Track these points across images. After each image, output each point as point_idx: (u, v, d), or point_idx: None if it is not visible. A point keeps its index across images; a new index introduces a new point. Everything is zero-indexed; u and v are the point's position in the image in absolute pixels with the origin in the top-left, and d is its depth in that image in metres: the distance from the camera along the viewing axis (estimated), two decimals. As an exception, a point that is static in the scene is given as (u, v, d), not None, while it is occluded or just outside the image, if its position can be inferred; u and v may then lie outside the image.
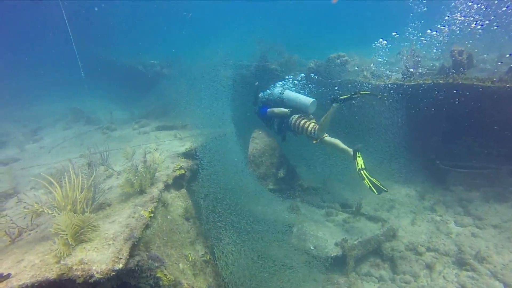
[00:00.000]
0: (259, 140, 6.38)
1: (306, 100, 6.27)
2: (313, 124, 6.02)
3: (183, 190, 4.83)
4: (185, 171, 4.90)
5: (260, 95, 7.06)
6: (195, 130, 7.03)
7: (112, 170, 4.97)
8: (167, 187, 4.49)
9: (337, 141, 5.80)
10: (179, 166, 4.76)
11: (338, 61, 8.09)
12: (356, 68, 8.34)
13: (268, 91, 7.02)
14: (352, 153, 5.48)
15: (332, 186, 7.50)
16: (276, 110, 6.47)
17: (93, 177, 3.49)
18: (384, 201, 6.87)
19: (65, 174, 3.25)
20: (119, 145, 7.01)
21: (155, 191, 4.04)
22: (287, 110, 6.37)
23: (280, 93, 6.66)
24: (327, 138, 5.90)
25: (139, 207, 3.62)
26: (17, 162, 7.26)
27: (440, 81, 6.17)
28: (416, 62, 7.57)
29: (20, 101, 16.67)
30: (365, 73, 7.68)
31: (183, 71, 10.92)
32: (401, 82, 6.74)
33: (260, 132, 6.46)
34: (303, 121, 6.09)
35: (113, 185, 4.56)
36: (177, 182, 4.86)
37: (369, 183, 5.22)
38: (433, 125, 6.95)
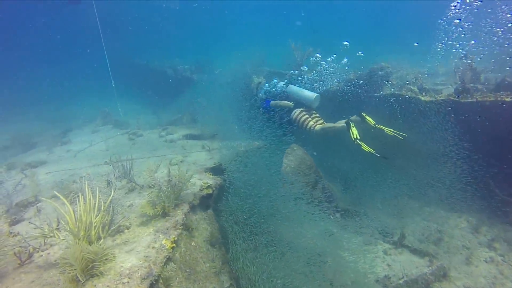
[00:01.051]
0: (293, 157, 5.84)
1: (311, 94, 6.43)
2: (313, 122, 6.18)
3: (210, 211, 4.37)
4: (213, 190, 4.43)
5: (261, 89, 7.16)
6: (224, 142, 6.60)
7: (135, 184, 4.59)
8: (192, 208, 4.05)
9: (328, 125, 5.94)
10: (206, 185, 4.31)
11: (382, 72, 7.40)
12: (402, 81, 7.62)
13: (266, 84, 7.18)
14: (345, 124, 5.58)
15: (371, 208, 6.81)
16: (281, 102, 6.57)
17: (110, 197, 3.10)
18: (431, 232, 6.06)
19: (80, 194, 2.85)
20: (144, 153, 6.71)
21: (179, 214, 3.61)
22: (291, 103, 6.51)
23: (283, 86, 6.84)
24: (318, 127, 6.04)
25: (160, 235, 3.19)
26: (44, 165, 7.16)
27: (507, 99, 5.36)
28: (472, 75, 6.75)
29: (56, 101, 17.19)
30: (412, 87, 6.95)
31: (213, 77, 10.66)
32: (457, 99, 5.97)
33: (295, 148, 5.91)
34: (304, 117, 6.26)
35: (135, 202, 4.18)
36: (204, 202, 4.41)
37: (368, 148, 5.26)
38: (494, 148, 6.11)
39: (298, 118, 6.31)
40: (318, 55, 8.21)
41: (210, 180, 4.72)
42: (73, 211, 2.72)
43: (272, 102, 6.68)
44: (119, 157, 6.74)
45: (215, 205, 4.73)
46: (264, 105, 6.88)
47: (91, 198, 2.85)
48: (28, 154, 8.64)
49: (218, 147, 6.34)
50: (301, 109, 6.40)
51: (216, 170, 5.31)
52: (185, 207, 3.77)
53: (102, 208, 2.98)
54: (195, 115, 9.40)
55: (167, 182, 3.60)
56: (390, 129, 5.61)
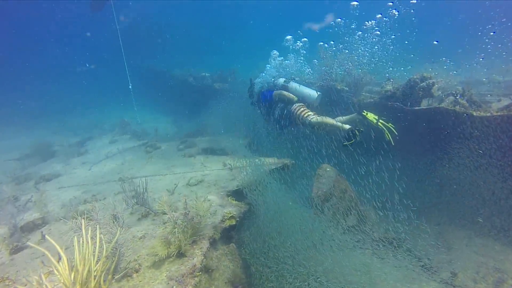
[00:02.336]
0: (325, 179, 5.18)
1: (313, 92, 6.41)
2: (311, 114, 5.91)
3: (232, 246, 3.78)
4: (237, 221, 3.85)
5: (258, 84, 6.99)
6: (248, 158, 6.05)
7: (149, 209, 4.08)
8: (213, 243, 3.48)
9: (327, 119, 5.65)
10: (229, 215, 3.73)
11: (423, 84, 6.62)
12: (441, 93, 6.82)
13: (263, 73, 7.03)
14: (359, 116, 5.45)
15: (409, 235, 6.00)
16: (286, 93, 6.28)
17: (116, 238, 2.57)
18: (488, 270, 5.20)
19: (75, 237, 2.34)
20: (161, 169, 6.25)
21: (197, 255, 3.04)
22: (295, 97, 6.28)
23: (284, 82, 6.63)
24: (314, 119, 5.71)
25: (174, 285, 2.62)
26: (58, 178, 6.87)
27: None
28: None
29: (79, 108, 17.33)
30: (460, 100, 6.14)
31: (236, 86, 10.17)
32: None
33: (327, 169, 5.26)
34: (302, 109, 6.04)
35: (148, 233, 3.66)
36: (226, 234, 3.84)
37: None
38: None
39: (296, 110, 6.07)
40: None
41: (233, 207, 4.15)
42: (67, 259, 2.19)
43: (275, 92, 6.37)
44: (134, 173, 6.35)
45: (239, 235, 4.14)
46: (264, 97, 6.54)
47: (90, 241, 2.32)
48: (46, 164, 8.46)
49: (241, 165, 5.78)
50: (301, 103, 6.21)
51: (239, 194, 4.74)
52: (204, 245, 3.21)
53: (104, 252, 2.45)
54: (216, 126, 8.91)
55: (184, 215, 3.05)
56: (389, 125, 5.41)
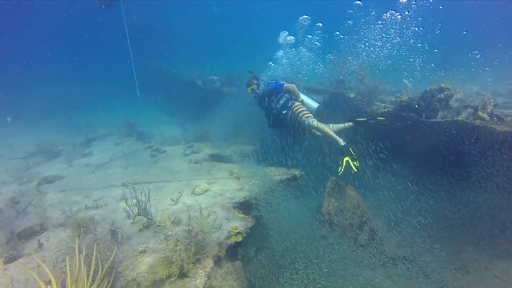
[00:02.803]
0: (337, 194, 4.93)
1: (314, 104, 6.83)
2: (311, 116, 6.07)
3: (238, 263, 3.56)
4: (243, 237, 3.63)
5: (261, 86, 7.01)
6: (256, 167, 5.83)
7: (151, 220, 3.89)
8: (217, 261, 3.26)
9: (325, 127, 5.76)
10: (236, 231, 3.51)
11: (441, 95, 6.34)
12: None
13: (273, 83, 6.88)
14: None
15: (422, 254, 5.69)
16: (295, 88, 6.56)
17: (112, 258, 2.36)
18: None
19: (69, 258, 2.15)
20: (166, 175, 6.07)
21: (200, 275, 2.83)
22: (301, 97, 6.62)
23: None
24: (314, 122, 5.86)
25: (174, 312, 2.41)
26: (61, 180, 6.73)
27: None
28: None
29: (86, 107, 17.31)
30: (480, 113, 5.84)
31: (245, 90, 9.97)
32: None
33: (339, 183, 5.01)
34: (302, 109, 6.19)
35: (149, 246, 3.46)
36: (231, 250, 3.62)
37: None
38: None
39: (295, 108, 6.22)
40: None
41: (239, 221, 3.93)
42: (58, 283, 1.99)
43: (287, 84, 6.55)
44: (138, 178, 6.17)
45: (245, 251, 3.91)
46: (274, 86, 6.63)
47: (82, 264, 2.12)
48: (50, 164, 8.35)
49: (248, 174, 5.56)
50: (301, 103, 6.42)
51: (246, 206, 4.52)
52: (208, 264, 2.99)
53: (100, 272, 2.25)
54: (224, 131, 8.72)
55: (187, 232, 2.84)
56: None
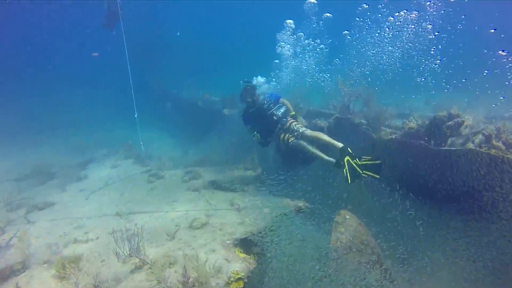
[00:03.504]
0: (345, 229, 4.58)
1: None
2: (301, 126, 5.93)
3: (238, 314, 3.19)
4: (244, 282, 3.27)
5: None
6: (258, 197, 5.51)
7: (143, 260, 3.54)
8: (215, 313, 2.89)
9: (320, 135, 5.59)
10: (236, 276, 3.17)
11: (451, 122, 6.06)
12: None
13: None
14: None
15: None
16: (289, 103, 6.57)
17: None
18: None
19: None
20: (162, 204, 5.75)
21: (195, 337, 2.46)
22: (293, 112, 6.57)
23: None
24: (308, 132, 5.73)
25: None
26: (52, 207, 6.40)
27: None
28: None
29: (86, 126, 17.11)
30: (494, 142, 5.56)
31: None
32: None
33: (347, 217, 4.67)
34: (295, 122, 6.08)
35: (139, 293, 3.10)
36: (230, 298, 3.25)
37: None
38: None
39: (290, 121, 6.07)
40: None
41: (240, 263, 3.59)
42: None
43: (282, 99, 6.48)
44: (133, 207, 5.84)
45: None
46: (273, 97, 6.43)
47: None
48: (42, 188, 8.04)
49: (250, 205, 5.24)
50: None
51: (248, 243, 4.17)
52: (205, 321, 2.63)
53: None
54: (225, 155, 8.44)
55: (182, 285, 2.50)
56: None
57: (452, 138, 6.02)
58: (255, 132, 6.19)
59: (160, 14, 28.58)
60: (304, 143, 5.53)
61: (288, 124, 6.01)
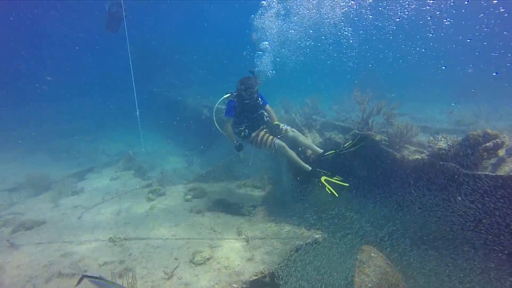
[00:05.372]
0: (371, 269, 3.95)
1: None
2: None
3: None
4: None
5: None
6: (269, 228, 4.89)
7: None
8: None
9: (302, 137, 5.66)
10: None
11: (489, 144, 5.40)
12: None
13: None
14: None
15: None
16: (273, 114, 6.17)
17: None
18: None
19: None
20: (161, 229, 5.16)
21: None
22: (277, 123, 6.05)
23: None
24: (292, 133, 5.62)
25: None
26: (41, 226, 5.87)
27: None
28: None
29: (89, 133, 16.70)
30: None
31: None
32: None
33: (372, 255, 4.04)
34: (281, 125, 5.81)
35: None
36: None
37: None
38: None
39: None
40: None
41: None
42: None
43: (268, 106, 6.08)
44: (129, 231, 5.26)
45: None
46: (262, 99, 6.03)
47: None
48: (34, 202, 7.53)
49: (259, 235, 4.62)
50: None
51: (258, 286, 3.55)
52: None
53: None
54: (231, 169, 7.84)
55: None
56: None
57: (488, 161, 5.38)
58: (243, 127, 5.72)
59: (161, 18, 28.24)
60: (285, 147, 5.27)
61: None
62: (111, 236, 4.97)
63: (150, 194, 6.76)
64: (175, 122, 14.22)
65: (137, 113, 9.12)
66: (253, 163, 8.24)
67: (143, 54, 18.56)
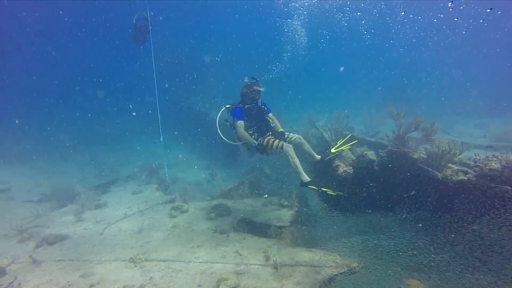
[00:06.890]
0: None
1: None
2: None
3: None
4: None
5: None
6: (299, 253, 4.51)
7: None
8: None
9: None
10: None
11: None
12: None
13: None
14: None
15: None
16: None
17: None
18: None
19: None
20: (182, 251, 4.91)
21: None
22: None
23: None
24: (297, 139, 5.79)
25: None
26: (63, 241, 5.77)
27: None
28: None
29: (113, 143, 17.03)
30: None
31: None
32: None
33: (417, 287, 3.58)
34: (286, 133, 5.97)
35: None
36: None
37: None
38: None
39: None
40: None
41: None
42: None
43: (271, 114, 6.13)
44: (151, 250, 5.04)
45: None
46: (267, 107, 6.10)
47: None
48: (59, 214, 7.53)
49: (289, 261, 4.26)
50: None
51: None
52: None
53: None
54: (256, 187, 7.55)
55: None
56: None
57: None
58: (252, 131, 5.74)
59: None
60: (292, 151, 5.31)
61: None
62: (132, 256, 4.77)
63: (173, 210, 6.57)
64: (197, 135, 14.21)
65: (159, 123, 9.07)
66: (277, 177, 7.92)
67: (181, 67, 18.80)
